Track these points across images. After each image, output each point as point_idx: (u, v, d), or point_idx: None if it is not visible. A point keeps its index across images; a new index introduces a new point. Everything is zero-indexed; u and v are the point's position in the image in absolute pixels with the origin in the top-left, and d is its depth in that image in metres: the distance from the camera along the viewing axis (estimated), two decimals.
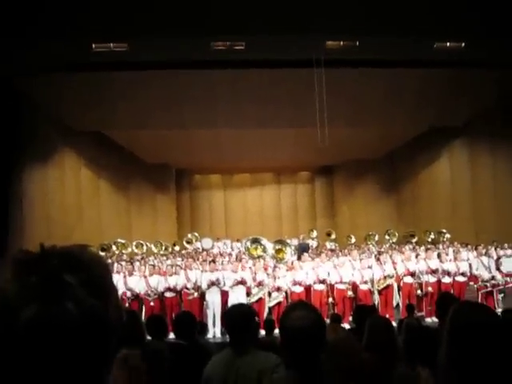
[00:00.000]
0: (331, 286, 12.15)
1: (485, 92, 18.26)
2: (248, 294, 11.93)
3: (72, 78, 15.85)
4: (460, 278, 12.31)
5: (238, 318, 3.38)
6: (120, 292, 12.12)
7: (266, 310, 11.72)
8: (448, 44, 15.59)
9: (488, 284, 12.13)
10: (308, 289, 12.14)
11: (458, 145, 21.83)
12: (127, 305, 11.86)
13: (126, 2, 13.04)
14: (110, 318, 0.91)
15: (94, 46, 14.28)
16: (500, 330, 1.87)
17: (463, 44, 15.50)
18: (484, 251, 13.83)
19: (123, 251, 19.20)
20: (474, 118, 20.61)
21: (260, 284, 11.87)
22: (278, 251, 12.95)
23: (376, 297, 12.50)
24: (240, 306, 4.07)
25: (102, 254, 18.04)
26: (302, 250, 17.09)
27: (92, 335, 0.87)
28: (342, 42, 15.20)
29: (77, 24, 13.10)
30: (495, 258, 13.67)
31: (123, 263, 14.40)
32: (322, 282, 12.04)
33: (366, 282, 12.13)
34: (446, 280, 12.31)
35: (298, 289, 11.91)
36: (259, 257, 13.31)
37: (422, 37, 14.84)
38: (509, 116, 20.56)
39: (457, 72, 16.82)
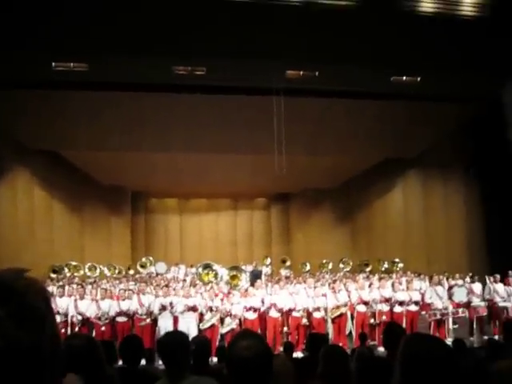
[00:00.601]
0: (286, 314, 12.13)
1: (438, 125, 18.80)
2: (201, 320, 11.79)
3: (30, 95, 15.59)
4: (412, 308, 12.46)
5: (171, 346, 3.34)
6: (70, 315, 11.82)
7: (219, 337, 11.60)
8: (404, 78, 16.02)
9: (438, 313, 12.31)
10: (262, 316, 12.08)
11: (411, 175, 22.32)
12: (77, 329, 11.56)
13: (89, 22, 12.95)
14: (42, 348, 0.88)
15: (54, 64, 14.10)
16: (449, 361, 1.90)
17: (419, 78, 15.96)
18: (437, 281, 14.08)
19: (75, 274, 18.78)
20: (428, 150, 21.17)
21: (213, 310, 11.76)
22: (233, 277, 12.89)
23: (329, 325, 12.53)
24: (173, 333, 4.03)
25: (53, 275, 17.63)
26: (254, 276, 17.06)
27: (20, 368, 0.84)
28: (301, 72, 15.44)
29: (38, 41, 12.93)
30: (447, 287, 13.93)
31: (74, 286, 14.06)
32: (278, 309, 12.00)
33: (319, 310, 12.15)
34: (399, 309, 12.44)
35: (252, 315, 11.83)
36: (210, 282, 13.22)
37: (380, 70, 15.22)
38: (460, 148, 21.20)
39: (412, 105, 17.28)
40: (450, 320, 12.75)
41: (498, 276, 13.20)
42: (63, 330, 11.65)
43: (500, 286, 12.93)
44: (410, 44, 14.62)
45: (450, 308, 12.55)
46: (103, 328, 11.61)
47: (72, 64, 14.32)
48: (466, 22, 14.61)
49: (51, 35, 12.99)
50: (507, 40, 15.27)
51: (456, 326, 13.36)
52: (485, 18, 14.70)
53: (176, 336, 3.62)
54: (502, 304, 12.55)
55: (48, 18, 12.59)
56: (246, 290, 12.52)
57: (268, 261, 22.61)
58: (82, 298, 12.15)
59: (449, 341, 11.12)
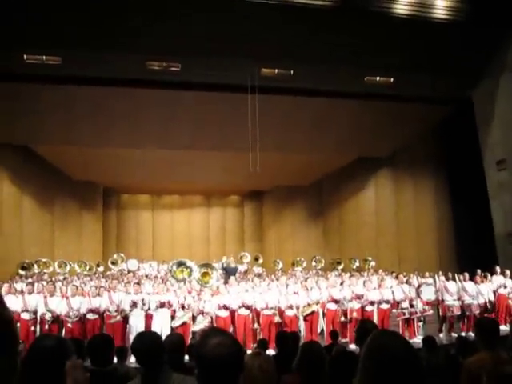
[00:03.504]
0: (256, 312, 12.14)
1: (410, 125, 19.03)
2: (173, 317, 11.74)
3: (0, 88, 15.28)
4: (384, 306, 12.60)
5: (145, 347, 3.34)
6: (39, 313, 11.65)
7: (190, 335, 11.56)
8: (378, 78, 16.18)
9: (406, 311, 12.47)
10: (233, 313, 12.08)
11: (383, 174, 22.56)
12: (47, 327, 11.40)
13: (63, 16, 12.79)
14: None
15: (25, 57, 13.87)
16: (410, 358, 1.95)
17: (392, 79, 16.13)
18: (405, 279, 14.25)
19: (45, 270, 18.52)
20: (400, 149, 21.45)
21: (185, 307, 11.71)
22: (204, 275, 12.84)
23: (301, 323, 12.59)
24: (146, 334, 4.01)
25: (22, 272, 17.37)
26: (229, 273, 17.05)
27: None
28: (276, 70, 15.47)
29: (10, 33, 12.72)
30: (416, 285, 14.12)
31: (44, 283, 13.87)
32: (248, 307, 12.02)
33: (291, 308, 12.20)
34: (370, 308, 12.57)
35: (224, 313, 11.82)
36: (184, 280, 13.16)
37: (354, 70, 15.34)
38: (430, 149, 21.52)
39: (385, 105, 17.44)
40: (418, 318, 12.93)
41: (466, 274, 13.42)
42: (32, 328, 11.50)
43: (469, 284, 13.15)
44: (384, 45, 14.79)
45: (420, 306, 12.72)
46: (69, 325, 11.46)
47: (44, 57, 14.11)
48: (439, 24, 14.82)
49: (24, 27, 12.79)
50: (478, 43, 15.54)
51: (421, 324, 13.55)
52: (457, 21, 14.92)
53: (149, 337, 3.61)
54: (469, 301, 12.77)
55: (21, 10, 12.39)
56: (218, 288, 12.50)
57: (247, 258, 22.46)
58: (52, 295, 11.98)
59: (419, 338, 11.29)
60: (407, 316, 12.44)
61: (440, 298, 13.26)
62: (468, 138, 18.24)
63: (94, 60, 14.10)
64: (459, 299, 13.01)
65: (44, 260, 18.99)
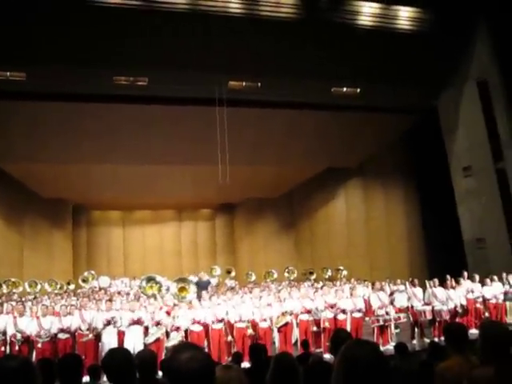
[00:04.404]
0: (230, 325, 12.08)
1: (378, 135, 19.27)
2: (145, 334, 11.60)
3: None
4: (356, 314, 12.66)
5: (115, 364, 3.31)
6: (9, 334, 11.41)
7: (164, 351, 11.44)
8: (344, 89, 16.37)
9: (381, 319, 12.55)
10: (207, 328, 12.00)
11: (353, 184, 22.74)
12: (17, 348, 11.17)
13: (27, 31, 12.67)
14: None
15: None
16: (381, 366, 2.01)
17: (358, 90, 16.34)
18: (379, 287, 14.36)
19: (14, 290, 18.15)
20: (368, 159, 21.66)
21: (158, 323, 11.59)
22: (181, 289, 12.72)
23: (276, 334, 12.56)
24: (116, 350, 3.96)
25: None
26: (200, 287, 16.92)
27: None
28: (244, 83, 15.55)
29: None
30: (389, 293, 14.23)
31: (13, 303, 13.59)
32: (221, 320, 11.95)
33: (265, 320, 12.17)
34: (343, 316, 12.61)
35: (198, 328, 11.73)
36: (154, 295, 13.03)
37: (321, 81, 15.50)
38: (398, 158, 21.79)
39: (352, 116, 17.63)
40: (393, 325, 13.02)
41: (436, 280, 13.57)
42: (2, 349, 11.25)
43: (439, 290, 13.30)
44: (350, 56, 14.99)
45: (393, 313, 12.82)
46: (39, 345, 11.23)
47: (8, 73, 13.94)
48: (403, 35, 15.09)
49: None
50: (442, 52, 15.86)
51: (398, 331, 13.65)
52: (420, 31, 15.22)
53: (119, 353, 3.57)
54: (439, 307, 12.91)
55: None
56: (191, 302, 12.41)
57: (218, 271, 22.32)
58: (21, 315, 11.74)
59: (392, 345, 11.36)
60: (381, 323, 12.52)
61: (411, 305, 13.40)
62: (435, 146, 18.54)
63: (60, 75, 13.98)
64: (428, 305, 13.16)
65: (13, 280, 18.62)
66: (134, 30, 13.40)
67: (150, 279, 13.39)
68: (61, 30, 12.98)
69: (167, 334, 11.59)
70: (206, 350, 11.77)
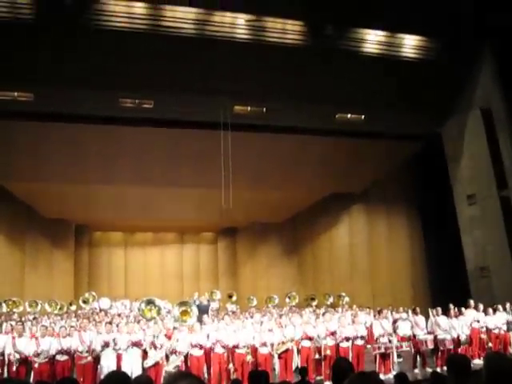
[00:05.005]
0: (231, 350, 11.96)
1: (381, 161, 19.29)
2: (145, 357, 11.49)
3: None
4: (358, 342, 12.52)
5: None
6: (6, 354, 11.31)
7: (164, 374, 11.31)
8: (349, 116, 16.44)
9: (382, 346, 12.41)
10: (207, 352, 11.88)
11: (356, 210, 22.69)
12: (14, 369, 11.06)
13: (35, 53, 12.80)
14: None
15: None
16: None
17: (363, 116, 16.40)
18: (385, 315, 14.23)
19: (14, 310, 18.04)
20: (372, 185, 21.66)
21: (157, 347, 11.48)
22: (184, 313, 12.63)
23: (276, 360, 12.43)
24: (114, 374, 3.90)
25: None
26: (201, 311, 16.79)
27: None
28: (249, 108, 15.63)
29: None
30: (391, 321, 14.09)
31: (13, 323, 13.49)
32: (223, 345, 11.83)
33: (266, 346, 12.05)
34: (345, 344, 12.48)
35: (198, 352, 11.62)
36: (153, 318, 12.94)
37: (326, 107, 15.57)
38: (402, 185, 21.79)
39: (356, 142, 17.67)
40: (395, 353, 12.87)
41: (439, 309, 13.45)
42: (0, 370, 11.15)
43: (442, 319, 13.17)
44: (355, 83, 15.07)
45: (395, 341, 12.68)
46: (36, 365, 11.12)
47: (16, 93, 14.05)
48: (408, 63, 15.19)
49: None
50: (447, 81, 15.95)
51: (400, 360, 13.49)
52: (426, 59, 15.32)
53: (118, 376, 3.51)
54: (442, 336, 12.77)
55: None
56: (192, 326, 12.31)
57: (218, 295, 22.19)
58: (20, 335, 11.65)
59: (393, 374, 11.21)
60: (383, 351, 12.38)
61: (412, 334, 13.26)
62: (439, 172, 18.54)
63: (67, 97, 14.09)
64: (431, 333, 13.02)
65: (14, 299, 18.53)
66: (140, 53, 13.52)
67: (149, 302, 13.30)
68: (68, 52, 13.12)
69: (167, 358, 11.48)
70: (206, 375, 11.66)
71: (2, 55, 12.67)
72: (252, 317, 15.00)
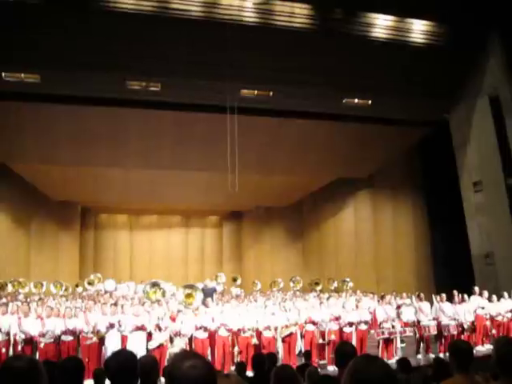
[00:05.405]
0: (236, 333, 12.03)
1: (388, 147, 19.22)
2: (149, 339, 11.58)
3: None
4: (362, 327, 12.57)
5: (118, 365, 3.28)
6: (12, 334, 11.42)
7: (167, 356, 11.41)
8: (356, 100, 16.35)
9: (386, 331, 12.46)
10: (212, 335, 11.96)
11: (362, 195, 22.68)
12: (19, 348, 11.17)
13: (42, 34, 12.76)
14: None
15: (4, 74, 13.79)
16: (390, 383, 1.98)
17: (370, 101, 16.31)
18: (388, 300, 14.27)
19: (20, 290, 18.19)
20: (378, 171, 21.61)
21: (161, 329, 11.56)
22: (188, 296, 12.71)
23: (279, 344, 12.50)
24: (120, 352, 3.92)
25: None
26: (205, 294, 16.88)
27: None
28: (256, 92, 15.56)
29: None
30: (395, 306, 14.12)
31: (19, 303, 13.60)
32: (227, 328, 11.90)
33: (269, 329, 12.11)
34: (348, 329, 12.53)
35: (202, 334, 11.70)
36: (158, 301, 13.01)
37: (333, 92, 15.49)
38: (408, 171, 21.73)
39: (363, 127, 17.60)
40: (398, 339, 12.91)
41: (444, 295, 13.46)
42: (4, 350, 11.25)
43: (447, 305, 13.19)
44: (363, 67, 14.97)
45: (398, 327, 12.71)
46: (41, 346, 11.22)
47: (23, 75, 14.03)
48: (416, 48, 15.06)
49: (3, 45, 12.72)
50: (455, 66, 15.82)
51: (403, 345, 13.55)
52: (434, 45, 15.18)
53: (124, 355, 3.54)
54: (445, 322, 12.80)
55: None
56: (197, 309, 12.38)
57: (223, 278, 22.27)
58: (26, 315, 11.75)
59: (396, 359, 11.26)
60: (386, 336, 12.43)
61: (416, 319, 13.29)
62: (445, 159, 18.46)
63: (74, 79, 14.06)
64: (435, 319, 13.05)
65: (19, 280, 18.67)
66: (148, 35, 13.46)
67: (154, 285, 13.39)
68: (75, 33, 13.06)
69: (171, 340, 11.56)
70: (210, 357, 11.74)
71: (9, 36, 12.63)
72: (256, 300, 15.07)
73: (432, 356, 11.73)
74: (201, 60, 13.99)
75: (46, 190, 22.35)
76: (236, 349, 11.90)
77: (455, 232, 18.50)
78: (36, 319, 11.73)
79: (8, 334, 11.43)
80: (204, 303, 12.96)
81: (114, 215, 28.07)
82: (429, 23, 15.27)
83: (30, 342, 11.36)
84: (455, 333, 12.74)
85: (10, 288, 17.96)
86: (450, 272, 18.48)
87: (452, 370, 3.72)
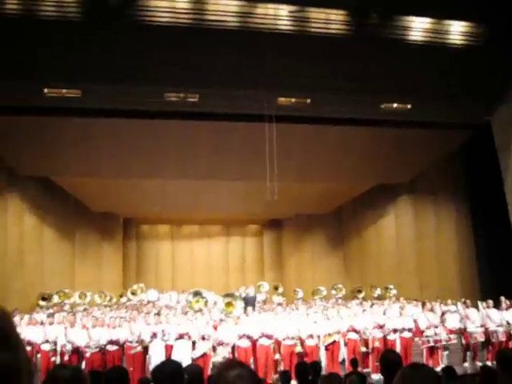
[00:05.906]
0: (278, 342, 11.99)
1: (428, 151, 18.93)
2: (193, 348, 11.64)
3: (22, 121, 15.55)
4: (406, 334, 12.38)
5: (165, 375, 3.30)
6: (59, 344, 11.65)
7: (211, 366, 11.44)
8: (395, 105, 16.17)
9: (431, 339, 12.24)
10: (255, 343, 11.95)
11: (403, 201, 22.38)
12: (66, 358, 11.38)
13: (83, 49, 13.03)
14: (21, 369, 0.88)
15: (46, 90, 14.14)
16: None
17: (409, 106, 16.11)
18: (430, 307, 14.03)
19: (66, 301, 18.57)
20: (419, 176, 21.31)
21: (205, 338, 11.61)
22: (228, 305, 12.76)
23: (322, 352, 12.41)
24: (167, 362, 3.95)
25: (42, 303, 17.45)
26: (247, 303, 16.90)
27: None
28: (293, 99, 15.55)
29: (30, 66, 12.98)
30: (439, 313, 13.87)
31: (64, 314, 13.88)
32: (269, 337, 11.88)
33: (312, 338, 12.04)
34: (392, 336, 12.36)
35: (244, 343, 11.71)
36: (200, 310, 13.09)
37: (371, 97, 15.36)
38: (450, 175, 21.36)
39: (402, 132, 17.39)
40: (443, 347, 12.67)
41: (490, 301, 13.17)
42: (53, 359, 11.48)
43: (493, 312, 12.90)
44: (400, 71, 14.80)
45: (443, 334, 12.48)
46: (88, 355, 11.41)
47: (64, 90, 14.35)
48: (455, 50, 14.81)
49: (44, 61, 13.04)
50: (496, 67, 15.50)
51: (447, 352, 13.29)
52: (474, 46, 14.91)
53: (170, 365, 3.57)
54: (493, 329, 12.49)
55: (42, 44, 12.66)
56: (239, 318, 12.40)
57: (266, 287, 22.26)
58: (72, 325, 11.98)
59: (441, 367, 11.04)
60: (431, 344, 12.21)
61: (463, 326, 13.00)
62: (488, 162, 18.07)
63: (113, 93, 14.31)
64: (482, 326, 12.75)
65: (65, 291, 19.07)
66: (184, 47, 13.60)
67: (196, 294, 13.48)
68: (113, 48, 13.29)
69: (214, 349, 11.60)
70: (253, 366, 11.73)
71: (50, 53, 12.94)
72: (298, 309, 15.01)
73: (479, 364, 11.46)
74: (237, 70, 14.06)
75: (89, 202, 22.79)
76: (278, 356, 11.86)
77: (500, 237, 18.06)
78: (82, 329, 11.95)
79: (55, 343, 11.66)
80: (245, 312, 12.99)
81: (156, 226, 28.39)
82: (467, 24, 15.00)
83: (76, 351, 11.57)
84: (504, 339, 12.42)
85: (55, 299, 18.34)
86: (496, 278, 18.05)
87: (500, 379, 3.62)
